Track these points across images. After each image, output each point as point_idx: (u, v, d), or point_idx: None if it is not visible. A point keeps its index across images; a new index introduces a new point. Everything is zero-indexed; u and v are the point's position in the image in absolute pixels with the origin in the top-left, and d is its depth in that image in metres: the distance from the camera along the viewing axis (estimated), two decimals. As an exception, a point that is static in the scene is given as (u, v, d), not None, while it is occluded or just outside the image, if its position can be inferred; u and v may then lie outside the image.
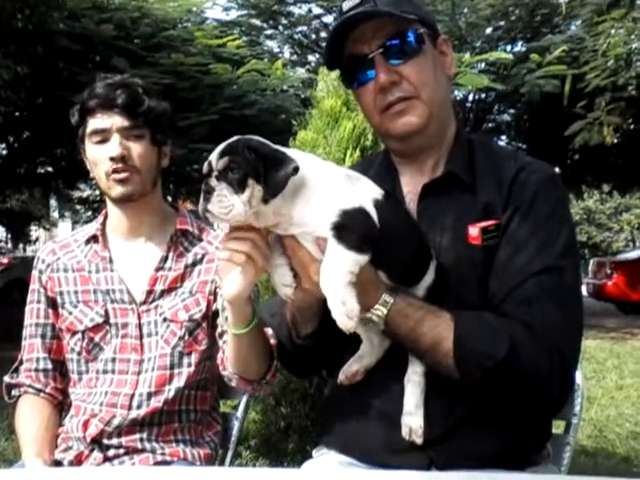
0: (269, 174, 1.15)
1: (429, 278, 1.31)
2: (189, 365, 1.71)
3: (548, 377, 1.24)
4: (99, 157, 1.70)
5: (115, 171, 1.68)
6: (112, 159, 1.68)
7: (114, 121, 1.69)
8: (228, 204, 1.15)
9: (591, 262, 16.52)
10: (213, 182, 1.16)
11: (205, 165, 1.19)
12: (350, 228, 1.17)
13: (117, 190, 1.70)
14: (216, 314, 1.62)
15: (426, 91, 1.37)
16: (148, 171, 1.73)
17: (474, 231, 1.31)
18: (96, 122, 1.70)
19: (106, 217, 1.83)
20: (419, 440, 1.29)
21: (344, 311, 1.15)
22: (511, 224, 1.32)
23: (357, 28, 1.35)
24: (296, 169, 1.16)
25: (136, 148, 1.71)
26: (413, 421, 1.29)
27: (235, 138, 1.20)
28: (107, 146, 1.69)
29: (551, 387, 1.25)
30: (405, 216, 1.35)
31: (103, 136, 1.70)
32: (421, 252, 1.31)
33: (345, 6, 1.37)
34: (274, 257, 1.27)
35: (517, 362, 1.22)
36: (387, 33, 1.35)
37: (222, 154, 1.17)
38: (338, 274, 1.15)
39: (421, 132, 1.39)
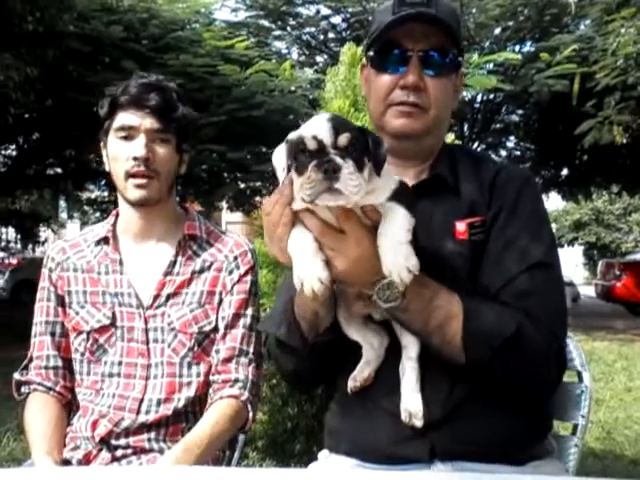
0: (377, 152, 1.17)
1: None
2: (198, 375, 1.72)
3: (547, 360, 1.32)
4: (122, 154, 1.70)
5: (136, 174, 1.68)
6: (135, 159, 1.67)
7: (144, 121, 1.69)
8: (357, 182, 1.12)
9: (600, 263, 16.49)
10: (338, 160, 1.11)
11: (310, 142, 1.13)
12: (406, 194, 1.23)
13: (134, 193, 1.70)
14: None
15: (437, 109, 1.44)
16: (167, 177, 1.74)
17: (461, 226, 1.38)
18: (126, 118, 1.70)
19: (117, 217, 1.83)
20: (419, 423, 1.30)
21: (406, 265, 1.18)
22: (498, 221, 1.39)
23: (411, 23, 1.40)
24: (386, 146, 1.21)
25: (160, 152, 1.71)
26: (412, 405, 1.31)
27: (331, 115, 1.18)
28: (132, 144, 1.69)
29: (550, 369, 1.33)
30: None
31: (130, 133, 1.69)
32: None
33: None
34: (310, 252, 1.21)
35: (522, 343, 1.27)
36: (434, 42, 1.42)
37: (338, 130, 1.13)
38: (401, 232, 1.19)
39: (415, 139, 1.46)
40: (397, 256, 1.18)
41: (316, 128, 1.14)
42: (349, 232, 1.21)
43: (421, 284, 1.26)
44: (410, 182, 1.44)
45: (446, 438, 1.32)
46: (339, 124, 1.15)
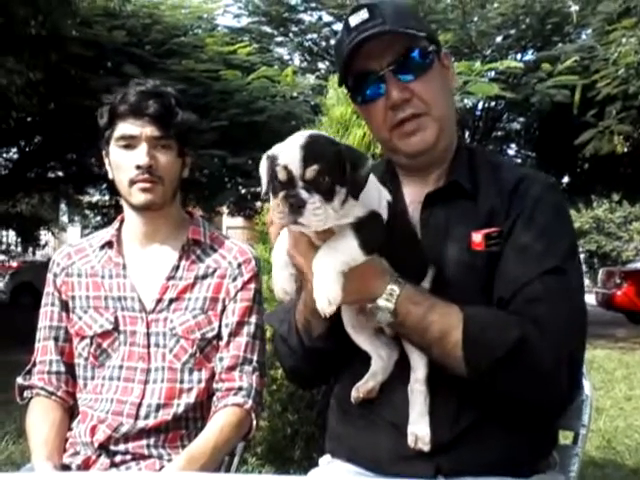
0: (354, 176, 1.14)
1: (425, 286, 1.33)
2: (199, 381, 1.72)
3: (556, 372, 1.25)
4: (125, 163, 1.70)
5: (140, 180, 1.69)
6: (138, 167, 1.68)
7: (144, 129, 1.69)
8: (323, 216, 1.13)
9: (600, 271, 16.46)
10: (303, 194, 1.11)
11: (281, 172, 1.13)
12: (368, 228, 1.19)
13: (139, 198, 1.70)
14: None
15: (436, 107, 1.39)
16: (171, 182, 1.74)
17: (477, 237, 1.34)
18: (126, 127, 1.70)
19: (122, 222, 1.83)
20: (426, 448, 1.29)
21: (327, 295, 1.16)
22: (514, 231, 1.34)
23: (367, 44, 1.35)
24: (370, 166, 1.17)
25: (163, 158, 1.71)
26: (419, 429, 1.29)
27: (309, 139, 1.15)
28: (134, 153, 1.69)
29: (559, 383, 1.26)
30: (410, 222, 1.38)
31: (131, 142, 1.70)
32: (420, 260, 1.34)
33: (353, 21, 1.37)
34: (281, 262, 1.28)
35: (526, 353, 1.22)
36: (398, 50, 1.36)
37: (307, 161, 1.12)
38: (335, 260, 1.17)
39: (432, 149, 1.41)
40: (321, 283, 1.16)
41: (288, 156, 1.13)
42: (302, 254, 1.23)
43: (413, 302, 1.25)
44: (428, 189, 1.42)
45: (452, 460, 1.30)
46: (310, 153, 1.12)
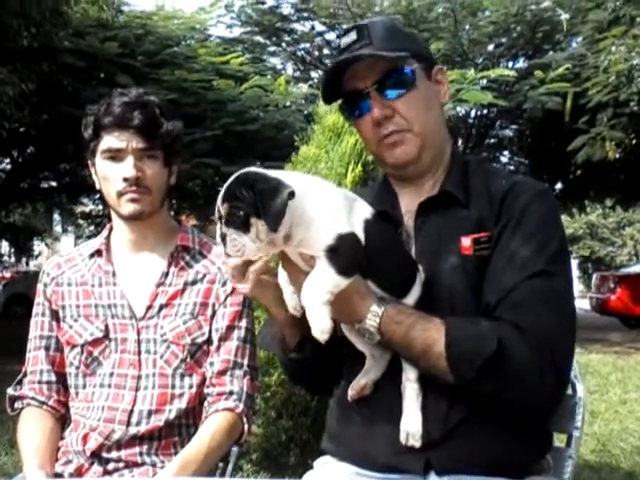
0: (265, 207, 1.21)
1: (415, 293, 1.35)
2: (191, 387, 1.72)
3: (539, 374, 1.27)
4: (112, 175, 1.70)
5: (128, 192, 1.69)
6: (126, 180, 1.68)
7: (130, 141, 1.68)
8: (240, 246, 1.24)
9: (594, 276, 16.52)
10: (223, 228, 1.26)
11: (216, 211, 1.26)
12: (342, 252, 1.24)
13: (128, 208, 1.70)
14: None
15: (418, 124, 1.43)
16: (158, 191, 1.74)
17: (466, 241, 1.37)
18: (111, 140, 1.69)
19: (111, 230, 1.84)
20: (417, 444, 1.31)
21: (319, 326, 1.23)
22: (502, 237, 1.37)
23: (352, 65, 1.42)
24: (292, 194, 1.21)
25: (149, 169, 1.71)
26: (410, 426, 1.32)
27: (233, 178, 1.26)
28: (121, 165, 1.69)
29: (543, 385, 1.28)
30: (392, 234, 1.43)
31: (117, 155, 1.70)
32: (406, 268, 1.37)
33: (343, 43, 1.45)
34: (284, 282, 1.36)
35: (506, 360, 1.25)
36: (380, 70, 1.41)
37: (223, 200, 1.24)
38: (319, 292, 1.23)
39: (415, 162, 1.46)
40: (311, 316, 1.23)
41: (218, 198, 1.26)
42: (290, 275, 1.31)
43: (395, 321, 1.29)
44: (422, 198, 1.46)
45: (442, 456, 1.32)
46: (226, 192, 1.24)
